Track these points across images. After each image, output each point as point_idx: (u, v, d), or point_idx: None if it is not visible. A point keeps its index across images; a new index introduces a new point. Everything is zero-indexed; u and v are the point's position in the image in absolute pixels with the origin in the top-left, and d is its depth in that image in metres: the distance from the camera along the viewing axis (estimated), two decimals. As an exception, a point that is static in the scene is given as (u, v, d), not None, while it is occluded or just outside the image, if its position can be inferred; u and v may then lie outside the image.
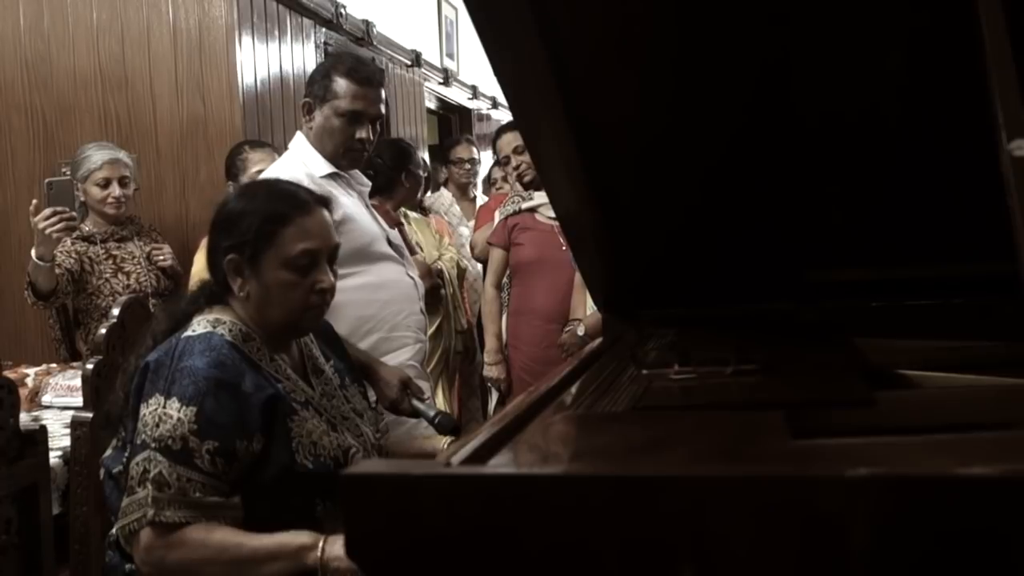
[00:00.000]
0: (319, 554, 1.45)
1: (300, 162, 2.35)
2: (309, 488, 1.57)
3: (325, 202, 1.71)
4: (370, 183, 2.56)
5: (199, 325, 1.61)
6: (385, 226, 2.53)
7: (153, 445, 1.49)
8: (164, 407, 1.50)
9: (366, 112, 2.34)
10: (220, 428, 1.50)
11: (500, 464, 0.82)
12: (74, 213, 2.79)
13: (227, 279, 1.64)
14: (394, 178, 3.45)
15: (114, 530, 1.54)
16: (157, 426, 1.50)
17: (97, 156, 3.16)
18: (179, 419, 1.49)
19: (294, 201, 1.65)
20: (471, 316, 3.94)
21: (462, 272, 3.78)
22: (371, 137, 2.39)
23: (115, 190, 3.16)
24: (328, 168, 2.35)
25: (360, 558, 0.76)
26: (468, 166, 4.92)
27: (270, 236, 1.61)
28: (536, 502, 0.73)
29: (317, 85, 2.36)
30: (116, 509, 1.59)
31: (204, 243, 3.10)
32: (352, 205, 2.34)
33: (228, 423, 1.51)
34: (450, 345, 3.64)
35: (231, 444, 1.51)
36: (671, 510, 0.70)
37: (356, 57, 2.48)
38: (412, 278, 2.49)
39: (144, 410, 1.53)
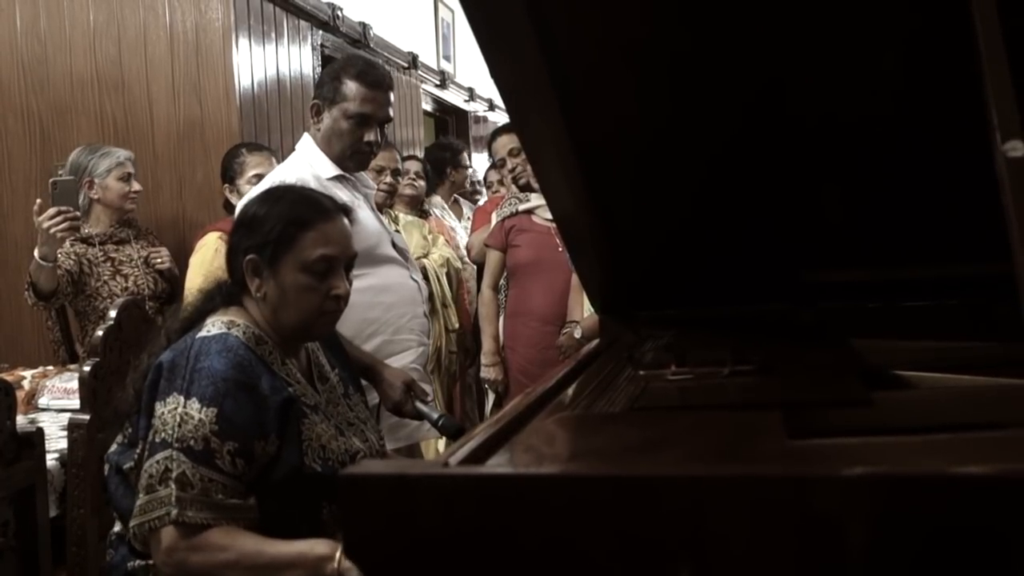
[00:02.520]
0: (336, 565, 1.45)
1: (307, 163, 2.35)
2: (316, 490, 1.58)
3: (346, 211, 1.74)
4: (375, 186, 2.56)
5: (213, 326, 1.62)
6: (390, 228, 2.53)
7: (176, 445, 1.50)
8: (184, 407, 1.51)
9: (375, 115, 2.34)
10: (240, 429, 1.52)
11: (498, 464, 0.82)
12: (78, 213, 2.80)
13: (244, 279, 1.66)
14: None
15: (131, 526, 1.54)
16: (179, 426, 1.50)
17: (120, 152, 3.20)
18: (200, 420, 1.50)
19: (317, 207, 1.68)
20: (469, 316, 3.94)
21: (456, 272, 3.77)
22: (378, 140, 2.39)
23: (135, 185, 3.20)
24: (334, 170, 2.35)
25: (359, 558, 0.77)
26: (470, 171, 5.01)
27: (291, 239, 1.63)
28: (533, 502, 0.73)
29: (327, 87, 2.35)
30: (123, 505, 1.60)
31: (199, 246, 3.13)
32: (358, 208, 2.34)
33: (247, 424, 1.53)
34: (441, 344, 3.64)
35: (250, 445, 1.52)
36: (668, 510, 0.70)
37: (367, 60, 2.47)
38: (416, 281, 2.49)
39: (161, 408, 1.53)
